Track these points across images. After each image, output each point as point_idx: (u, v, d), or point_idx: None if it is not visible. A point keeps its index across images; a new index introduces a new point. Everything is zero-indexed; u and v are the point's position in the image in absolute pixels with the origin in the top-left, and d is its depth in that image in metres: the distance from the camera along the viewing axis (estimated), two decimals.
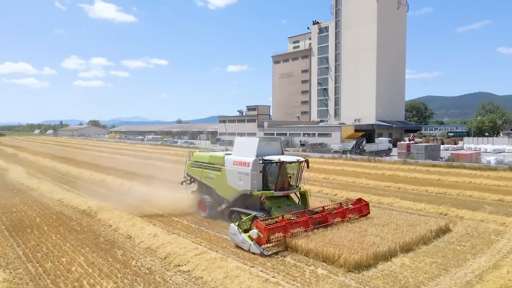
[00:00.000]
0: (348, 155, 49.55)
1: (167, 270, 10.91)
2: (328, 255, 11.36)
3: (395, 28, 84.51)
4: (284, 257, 11.98)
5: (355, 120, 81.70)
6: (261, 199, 15.21)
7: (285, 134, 76.33)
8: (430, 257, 11.96)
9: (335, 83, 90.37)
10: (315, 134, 71.56)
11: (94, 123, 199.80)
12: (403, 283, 10.09)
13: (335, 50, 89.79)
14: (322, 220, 14.31)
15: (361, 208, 16.05)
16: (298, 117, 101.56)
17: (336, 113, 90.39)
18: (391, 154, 52.86)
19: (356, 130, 70.32)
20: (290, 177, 15.79)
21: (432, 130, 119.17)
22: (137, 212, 17.23)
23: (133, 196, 21.40)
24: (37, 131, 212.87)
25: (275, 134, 78.19)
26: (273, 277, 10.43)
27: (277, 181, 15.04)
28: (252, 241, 12.22)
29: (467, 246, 13.09)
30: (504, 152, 49.81)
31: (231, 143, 79.25)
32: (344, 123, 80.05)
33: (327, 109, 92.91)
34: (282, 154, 16.46)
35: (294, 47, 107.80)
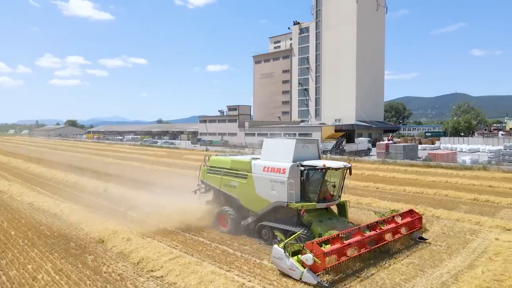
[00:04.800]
0: (328, 155, 49.77)
1: (139, 276, 10.52)
2: None
3: (374, 29, 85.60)
4: (261, 260, 11.73)
5: (335, 120, 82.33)
6: (301, 213, 12.99)
7: (266, 134, 76.20)
8: (406, 257, 11.96)
9: (316, 83, 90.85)
10: (295, 134, 71.66)
11: (72, 123, 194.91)
12: (379, 284, 10.01)
13: (316, 51, 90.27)
14: (376, 238, 12.29)
15: (413, 222, 13.94)
16: (279, 117, 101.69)
17: (317, 113, 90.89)
18: (370, 154, 53.41)
19: (336, 130, 70.83)
20: (334, 186, 13.60)
21: (410, 130, 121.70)
22: (111, 216, 16.68)
23: (108, 198, 20.95)
24: (11, 131, 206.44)
25: (256, 134, 78.05)
26: (249, 281, 10.19)
27: (320, 190, 12.96)
28: (304, 268, 10.08)
29: (443, 246, 13.17)
30: (479, 151, 51.03)
31: (211, 143, 78.92)
32: (324, 123, 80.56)
33: (308, 109, 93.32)
34: (319, 158, 14.36)
35: (275, 47, 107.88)
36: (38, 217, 17.26)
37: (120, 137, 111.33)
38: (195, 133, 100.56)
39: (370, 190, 25.18)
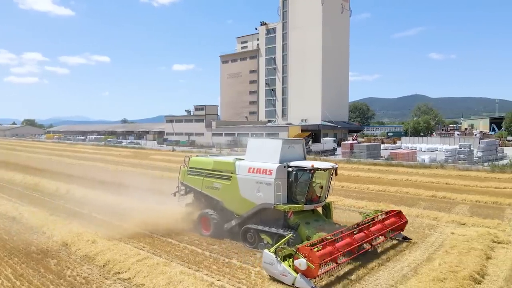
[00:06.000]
0: None
1: (106, 279, 10.32)
2: None
3: (339, 31, 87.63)
4: (230, 259, 11.84)
5: (301, 121, 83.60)
6: (289, 215, 12.75)
7: (233, 134, 76.27)
8: (370, 252, 12.40)
9: (283, 83, 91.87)
10: (263, 134, 72.20)
11: (30, 123, 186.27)
12: (345, 279, 10.35)
13: (283, 51, 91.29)
14: (364, 239, 12.05)
15: (395, 221, 13.92)
16: (246, 117, 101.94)
17: (284, 114, 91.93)
18: (336, 153, 54.68)
19: (302, 130, 71.92)
20: (321, 187, 13.42)
21: (373, 130, 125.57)
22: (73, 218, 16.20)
23: (71, 200, 20.30)
24: None
25: (223, 134, 77.92)
26: (218, 280, 10.25)
27: (307, 192, 12.75)
28: (297, 273, 9.69)
29: (403, 241, 13.79)
30: (437, 151, 53.45)
31: (178, 143, 77.94)
32: (291, 123, 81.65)
33: (275, 110, 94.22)
34: (305, 159, 14.14)
35: (242, 47, 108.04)
36: None
37: (83, 137, 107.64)
38: (161, 133, 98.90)
39: (336, 189, 25.67)
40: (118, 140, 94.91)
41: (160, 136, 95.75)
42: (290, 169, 12.74)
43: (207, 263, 11.52)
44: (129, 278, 10.19)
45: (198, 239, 13.93)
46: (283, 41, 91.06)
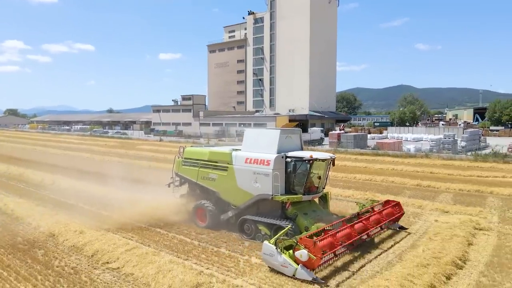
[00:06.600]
0: None
1: (95, 269, 10.32)
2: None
3: (327, 21, 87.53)
4: (219, 248, 11.95)
5: (289, 111, 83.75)
6: (286, 206, 12.70)
7: (221, 124, 76.08)
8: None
9: (270, 73, 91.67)
10: (250, 124, 72.14)
11: (13, 112, 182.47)
12: (333, 268, 10.53)
13: (270, 41, 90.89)
14: (363, 229, 11.95)
15: (392, 211, 13.94)
16: (234, 107, 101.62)
17: (271, 104, 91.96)
18: (323, 143, 55.05)
19: (290, 120, 72.03)
20: (319, 177, 13.40)
21: (360, 120, 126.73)
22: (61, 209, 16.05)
23: (57, 190, 20.10)
24: None
25: (210, 124, 77.69)
26: (207, 268, 10.34)
27: (306, 182, 12.66)
28: (298, 264, 9.60)
29: (389, 229, 14.08)
30: (422, 140, 54.30)
31: (165, 133, 77.44)
32: (279, 113, 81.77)
33: (263, 99, 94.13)
34: (302, 149, 13.96)
35: (229, 37, 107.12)
36: None
37: (68, 127, 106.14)
38: (148, 123, 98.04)
39: None
40: (104, 130, 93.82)
41: (147, 126, 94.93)
42: (288, 159, 12.60)
43: (196, 252, 11.60)
44: (118, 268, 10.21)
45: (187, 229, 13.98)
46: (271, 31, 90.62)
